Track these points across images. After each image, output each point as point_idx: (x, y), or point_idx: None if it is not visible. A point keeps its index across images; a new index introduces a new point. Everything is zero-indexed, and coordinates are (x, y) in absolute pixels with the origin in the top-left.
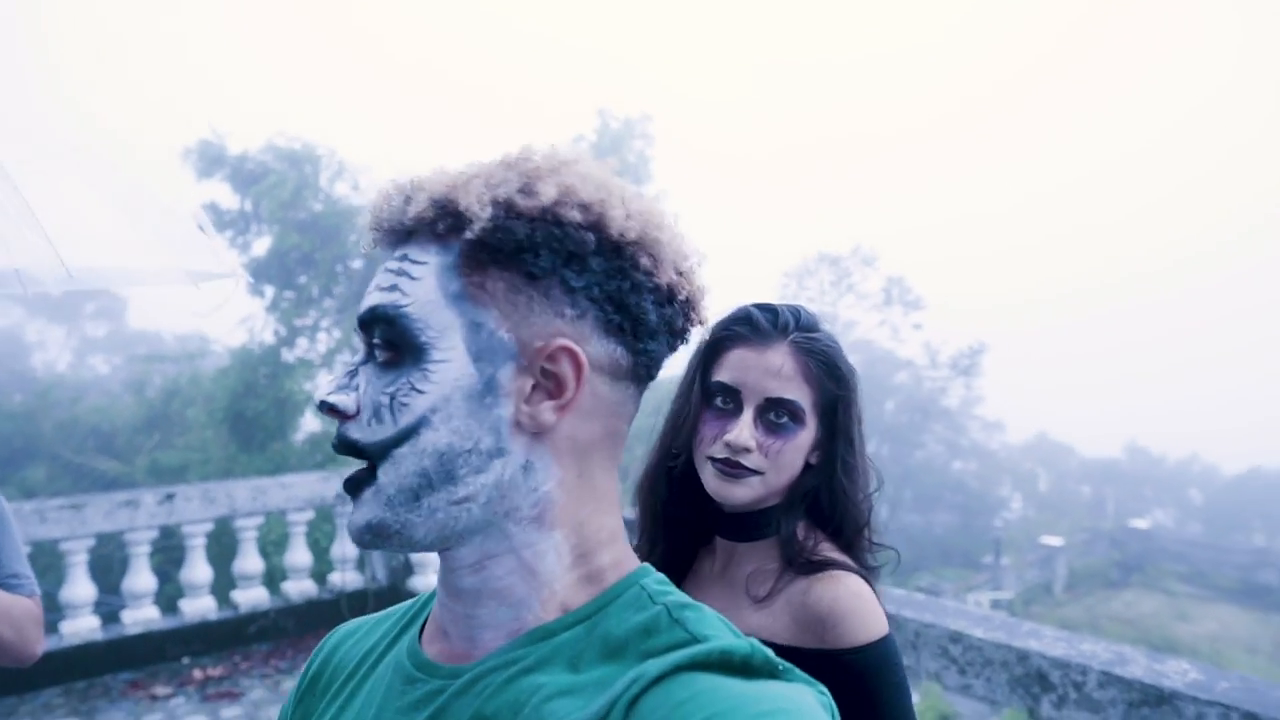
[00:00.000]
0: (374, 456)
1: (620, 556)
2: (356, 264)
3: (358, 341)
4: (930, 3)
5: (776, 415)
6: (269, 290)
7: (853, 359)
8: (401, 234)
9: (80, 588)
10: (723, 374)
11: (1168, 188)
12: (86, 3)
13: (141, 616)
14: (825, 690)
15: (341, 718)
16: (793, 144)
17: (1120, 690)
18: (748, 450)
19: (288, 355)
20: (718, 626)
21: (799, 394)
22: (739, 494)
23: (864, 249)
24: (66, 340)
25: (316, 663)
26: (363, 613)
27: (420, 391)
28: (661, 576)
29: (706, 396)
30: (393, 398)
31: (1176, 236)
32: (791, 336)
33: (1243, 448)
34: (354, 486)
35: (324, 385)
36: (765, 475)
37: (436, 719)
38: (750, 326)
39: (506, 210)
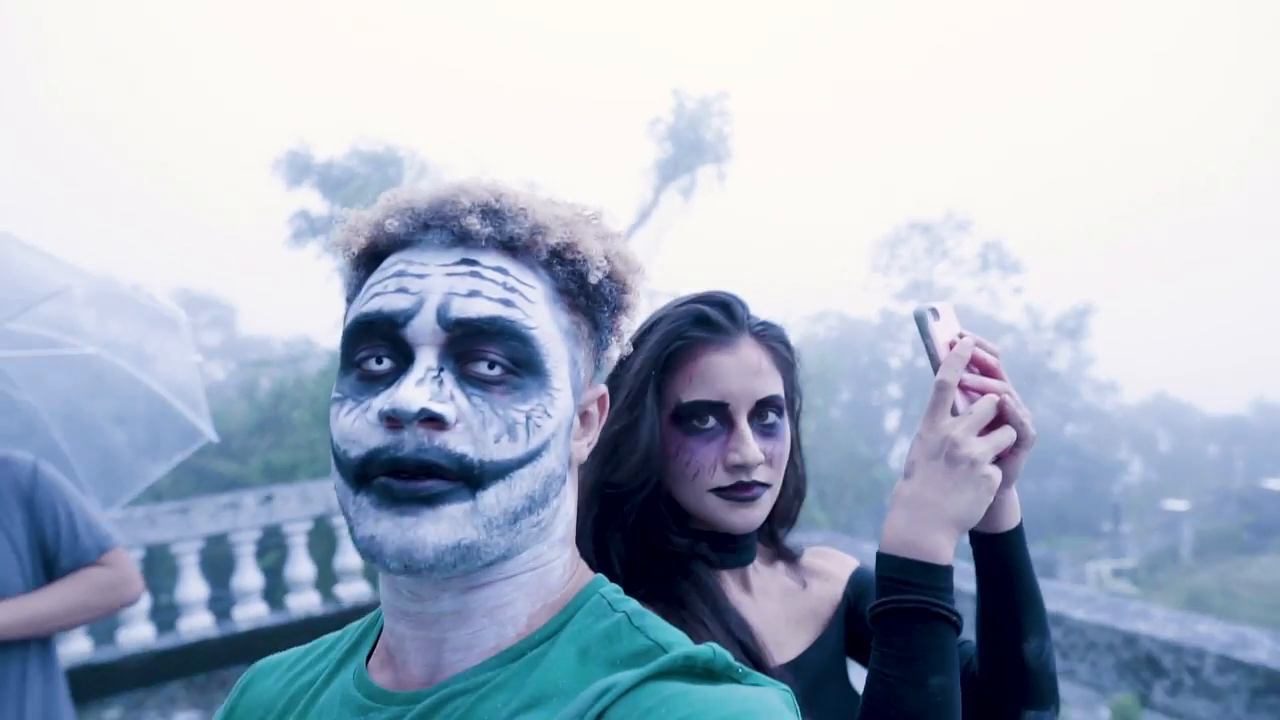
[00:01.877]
0: (488, 475)
1: (582, 567)
2: None
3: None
4: None
5: (766, 416)
6: None
7: None
8: (489, 243)
9: (193, 587)
10: (697, 390)
11: None
12: (145, 17)
13: (251, 613)
14: (788, 689)
15: None
16: (865, 110)
17: (1242, 676)
18: (758, 465)
19: None
20: (676, 634)
21: (778, 386)
22: (756, 516)
23: (957, 214)
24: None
25: (233, 704)
26: None
27: (550, 416)
28: (616, 586)
29: (678, 421)
30: (529, 417)
31: None
32: (752, 326)
33: None
34: (431, 499)
35: (415, 392)
36: (772, 486)
37: None
38: (710, 327)
39: (610, 265)
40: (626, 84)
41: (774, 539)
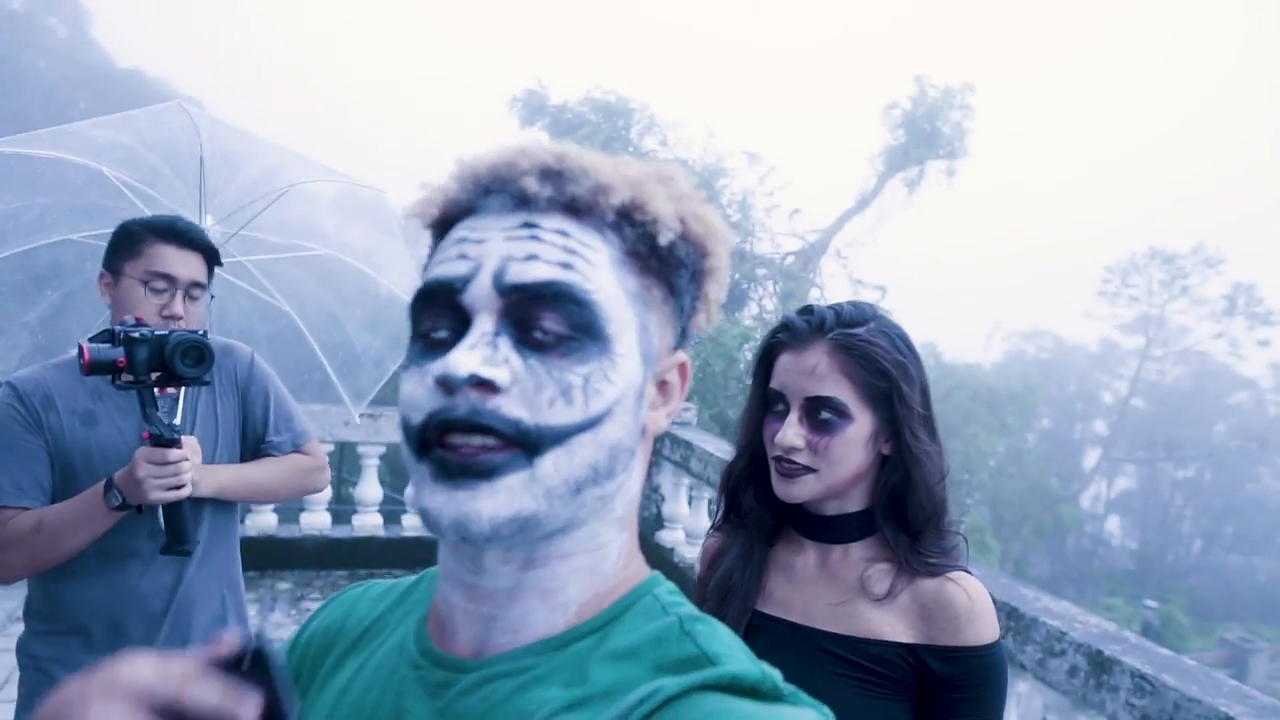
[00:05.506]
0: (545, 441)
1: (638, 560)
2: None
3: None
4: None
5: (820, 413)
6: None
7: (1178, 370)
8: (551, 205)
9: (370, 489)
10: (773, 380)
11: None
12: None
13: (417, 522)
14: (829, 713)
15: (351, 686)
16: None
17: None
18: (796, 449)
19: None
20: (728, 644)
21: (839, 390)
22: (796, 492)
23: (1207, 249)
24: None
25: (317, 622)
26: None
27: (611, 381)
28: (673, 586)
29: (767, 402)
30: (587, 380)
31: None
32: (830, 335)
33: None
34: (488, 472)
35: (467, 357)
36: (820, 472)
37: (444, 713)
38: (789, 331)
39: (685, 226)
40: (868, 64)
41: (901, 543)
